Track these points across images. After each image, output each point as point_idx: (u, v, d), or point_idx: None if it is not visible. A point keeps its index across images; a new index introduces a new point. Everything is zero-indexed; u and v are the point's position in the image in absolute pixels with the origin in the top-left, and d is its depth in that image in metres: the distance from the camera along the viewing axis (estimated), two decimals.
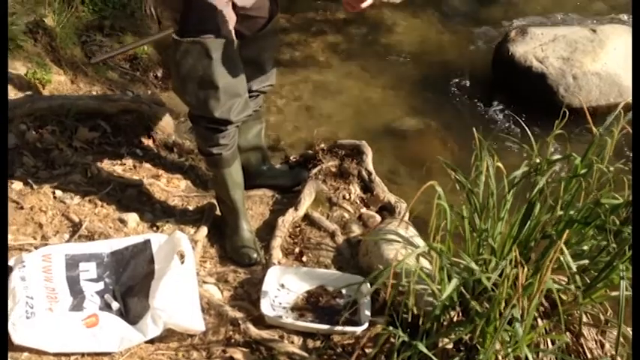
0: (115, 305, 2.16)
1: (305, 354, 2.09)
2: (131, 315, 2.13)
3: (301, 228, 2.67)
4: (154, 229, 2.56)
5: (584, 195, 2.10)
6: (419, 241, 2.35)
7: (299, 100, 3.81)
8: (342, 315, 2.15)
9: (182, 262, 2.19)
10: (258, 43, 2.39)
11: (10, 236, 2.37)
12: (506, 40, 4.00)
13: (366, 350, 2.09)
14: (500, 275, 1.89)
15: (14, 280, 2.07)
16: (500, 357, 1.91)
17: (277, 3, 2.39)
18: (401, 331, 1.95)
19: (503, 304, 1.85)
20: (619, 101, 3.60)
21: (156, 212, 2.64)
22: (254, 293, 2.31)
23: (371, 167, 2.96)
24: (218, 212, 2.63)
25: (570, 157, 2.14)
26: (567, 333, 2.10)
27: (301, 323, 2.19)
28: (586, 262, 2.10)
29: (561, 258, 1.89)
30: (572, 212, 2.11)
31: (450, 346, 2.02)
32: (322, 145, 3.09)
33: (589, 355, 2.11)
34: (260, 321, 2.19)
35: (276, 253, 2.49)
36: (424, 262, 2.12)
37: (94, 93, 3.31)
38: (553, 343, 2.06)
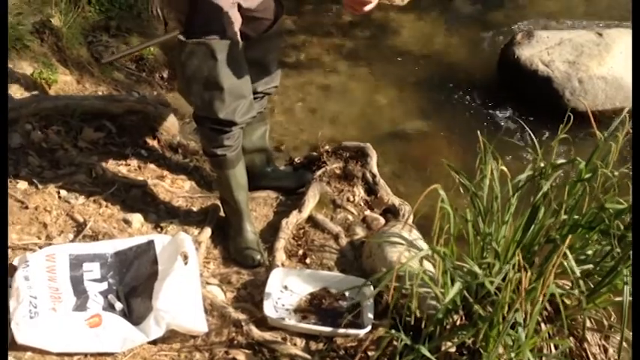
0: (119, 306, 2.16)
1: (307, 356, 2.09)
2: (134, 315, 2.14)
3: (305, 230, 2.66)
4: (158, 229, 2.56)
5: (588, 199, 2.09)
6: (422, 244, 2.35)
7: (304, 102, 3.81)
8: (344, 317, 2.15)
9: (185, 263, 2.19)
10: (263, 45, 2.39)
11: (14, 236, 2.37)
12: (512, 43, 4.00)
13: (369, 353, 2.09)
14: (503, 279, 1.88)
15: (18, 280, 2.08)
16: None
17: (282, 4, 2.39)
18: (403, 335, 1.95)
19: (506, 308, 1.85)
20: (625, 105, 3.59)
21: (160, 213, 2.64)
22: (257, 295, 2.32)
23: (375, 169, 2.96)
24: (222, 213, 2.63)
25: (575, 161, 2.14)
26: (571, 338, 2.10)
27: (304, 325, 2.19)
28: (590, 266, 2.09)
29: (565, 263, 1.89)
30: (576, 217, 2.10)
31: (453, 349, 2.02)
32: (327, 147, 3.08)
33: None
34: (263, 323, 2.19)
35: (280, 255, 2.49)
36: (427, 265, 2.12)
37: (100, 93, 3.31)
38: (556, 347, 2.06)
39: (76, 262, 2.22)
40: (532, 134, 2.35)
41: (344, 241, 2.60)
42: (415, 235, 2.40)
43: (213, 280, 2.39)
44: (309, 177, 2.90)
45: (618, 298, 1.98)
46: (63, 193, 2.61)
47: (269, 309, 2.20)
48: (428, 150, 3.49)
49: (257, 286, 2.36)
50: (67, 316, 2.07)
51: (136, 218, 2.56)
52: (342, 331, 2.14)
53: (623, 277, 1.93)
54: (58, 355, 2.01)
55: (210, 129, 2.32)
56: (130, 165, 2.86)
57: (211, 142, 2.36)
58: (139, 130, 3.04)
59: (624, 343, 1.89)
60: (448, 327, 2.04)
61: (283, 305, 2.29)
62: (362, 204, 2.85)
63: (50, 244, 2.33)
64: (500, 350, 1.90)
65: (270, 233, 2.62)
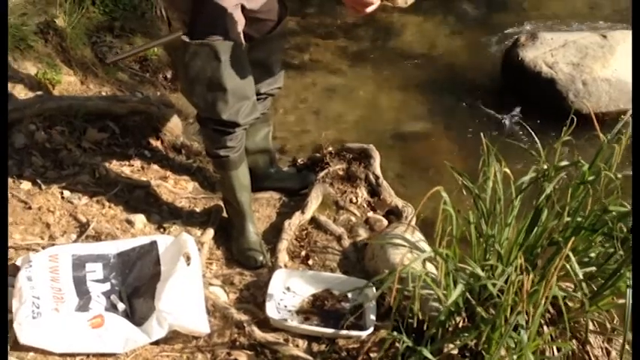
0: (121, 306, 2.16)
1: (310, 357, 2.09)
2: (137, 316, 2.14)
3: (308, 231, 2.66)
4: (161, 230, 2.56)
5: (591, 202, 2.09)
6: (425, 245, 2.34)
7: (307, 103, 3.81)
8: (347, 319, 2.15)
9: (188, 264, 2.19)
10: (266, 46, 2.39)
11: (17, 236, 2.38)
12: (516, 45, 3.99)
13: (371, 355, 2.09)
14: (506, 281, 1.88)
15: (21, 280, 2.08)
16: None
17: (286, 6, 2.39)
18: (406, 337, 1.95)
19: (508, 310, 1.84)
20: (628, 107, 3.59)
21: (163, 214, 2.65)
22: (260, 296, 2.32)
23: (378, 171, 2.96)
24: (225, 214, 2.63)
25: (578, 163, 2.13)
26: (573, 340, 2.09)
27: (306, 327, 2.19)
28: (593, 269, 2.09)
29: (567, 265, 1.89)
30: (579, 219, 2.10)
31: (455, 352, 2.01)
32: (330, 149, 3.08)
33: None
34: (265, 324, 2.19)
35: (283, 256, 2.49)
36: (430, 267, 2.12)
37: (104, 94, 3.32)
38: (559, 350, 2.05)
39: (79, 263, 2.22)
40: (535, 136, 2.34)
41: (347, 242, 2.60)
42: (418, 237, 2.40)
43: (216, 281, 2.39)
44: (312, 178, 2.90)
45: (621, 301, 1.97)
46: (66, 193, 2.61)
47: (271, 310, 2.21)
48: (431, 151, 3.48)
49: (259, 287, 2.36)
50: (69, 316, 2.07)
51: (139, 219, 2.56)
52: (344, 332, 2.14)
53: (626, 279, 1.92)
54: (61, 355, 2.01)
55: (214, 130, 2.32)
56: (133, 165, 2.86)
57: (214, 143, 2.37)
58: (143, 131, 3.04)
59: (627, 346, 1.89)
60: (450, 329, 2.04)
61: (286, 306, 2.29)
62: (365, 205, 2.85)
63: (53, 245, 2.33)
64: (503, 352, 1.89)
65: (273, 234, 2.63)
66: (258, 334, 2.14)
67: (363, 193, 2.88)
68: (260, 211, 2.75)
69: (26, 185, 2.60)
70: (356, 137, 3.38)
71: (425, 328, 2.01)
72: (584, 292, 2.00)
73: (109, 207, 2.60)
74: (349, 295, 2.32)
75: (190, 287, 2.16)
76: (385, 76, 4.05)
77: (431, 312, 2.05)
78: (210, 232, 2.56)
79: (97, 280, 2.21)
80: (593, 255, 2.12)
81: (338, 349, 2.14)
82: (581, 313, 2.05)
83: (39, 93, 3.03)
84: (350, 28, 4.47)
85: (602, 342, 2.15)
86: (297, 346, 2.15)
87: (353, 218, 2.75)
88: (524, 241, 2.12)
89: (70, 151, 2.80)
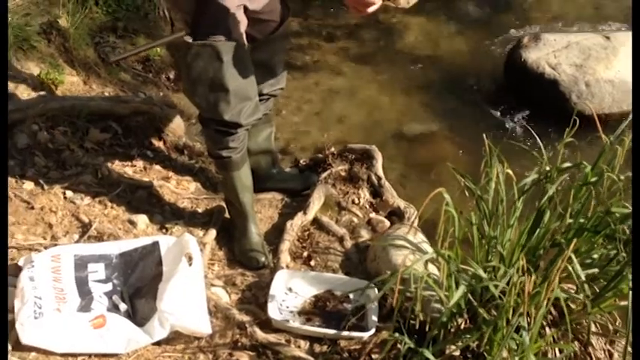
0: (123, 307, 2.16)
1: (311, 358, 2.09)
2: (138, 317, 2.14)
3: (310, 232, 2.66)
4: (163, 231, 2.56)
5: (594, 203, 2.09)
6: (427, 247, 2.34)
7: (310, 104, 3.81)
8: (349, 320, 2.15)
9: (190, 265, 2.19)
10: (269, 47, 2.39)
11: (20, 236, 2.38)
12: (518, 46, 3.99)
13: (373, 356, 2.09)
14: (508, 283, 1.88)
15: (23, 280, 2.08)
16: None
17: (289, 7, 2.39)
18: (407, 338, 1.95)
19: (510, 312, 1.84)
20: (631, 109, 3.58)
21: (165, 214, 2.65)
22: (261, 297, 2.32)
23: (381, 172, 2.96)
24: (227, 215, 2.63)
25: (581, 165, 2.13)
26: (575, 342, 2.09)
27: (308, 327, 2.19)
28: (595, 270, 2.09)
29: (570, 267, 1.88)
30: (581, 220, 2.10)
31: (457, 353, 2.01)
32: (332, 149, 3.08)
33: None
34: (267, 325, 2.19)
35: (285, 257, 2.49)
36: (432, 269, 2.12)
37: (107, 94, 3.32)
38: (561, 352, 2.05)
39: (81, 263, 2.22)
40: (538, 137, 2.34)
41: (349, 243, 2.60)
42: (420, 238, 2.40)
43: (218, 282, 2.39)
44: (314, 179, 2.90)
45: (624, 303, 1.97)
46: (69, 193, 2.62)
47: (273, 311, 2.20)
48: (433, 153, 3.48)
49: (261, 288, 2.36)
50: (71, 316, 2.07)
51: (141, 219, 2.56)
52: (346, 333, 2.14)
53: (629, 281, 1.92)
54: (62, 355, 2.01)
55: (216, 131, 2.32)
56: (135, 166, 2.86)
57: (216, 143, 2.37)
58: (145, 131, 3.04)
59: (629, 348, 1.88)
60: (452, 330, 2.03)
61: (287, 307, 2.29)
62: (367, 206, 2.85)
63: (55, 245, 2.33)
64: (505, 354, 1.89)
65: (275, 235, 2.63)
66: (260, 334, 2.14)
67: (365, 194, 2.88)
68: (262, 211, 2.75)
69: (29, 185, 2.60)
70: (358, 138, 3.37)
71: (427, 329, 2.01)
72: (586, 294, 1.99)
73: (112, 207, 2.61)
74: (351, 296, 2.32)
75: (192, 288, 2.16)
76: (387, 77, 4.05)
77: (433, 313, 2.05)
78: (213, 233, 2.56)
79: (99, 281, 2.21)
80: (595, 257, 2.12)
81: (340, 350, 2.14)
82: (584, 314, 2.05)
83: (42, 93, 3.04)
84: (353, 29, 4.47)
85: (605, 344, 2.15)
86: (299, 347, 2.15)
87: (355, 219, 2.75)
88: (527, 243, 2.11)
89: (73, 152, 2.80)
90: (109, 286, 2.21)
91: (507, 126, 3.70)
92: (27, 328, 1.98)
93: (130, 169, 2.83)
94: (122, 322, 2.10)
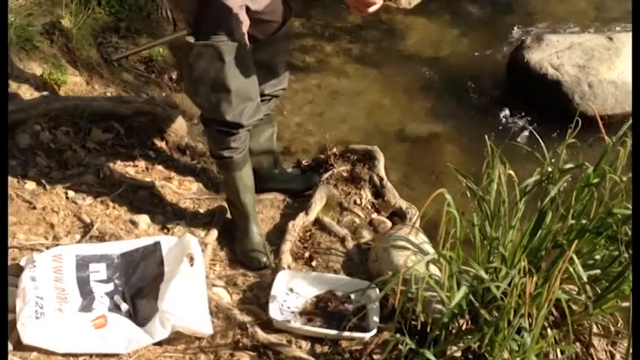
0: (124, 307, 2.16)
1: (312, 359, 2.09)
2: (140, 317, 2.14)
3: (311, 232, 2.66)
4: (165, 231, 2.56)
5: (596, 205, 2.08)
6: (429, 247, 2.34)
7: (311, 104, 3.81)
8: (350, 320, 2.15)
9: (191, 265, 2.19)
10: (271, 47, 2.39)
11: (21, 236, 2.38)
12: (521, 47, 3.98)
13: (374, 357, 2.09)
14: (509, 284, 1.88)
15: (24, 280, 2.08)
16: None
17: (291, 7, 2.39)
18: (409, 339, 1.95)
19: (512, 313, 1.84)
20: None
21: (167, 214, 2.65)
22: (263, 297, 2.31)
23: (383, 172, 2.95)
24: (229, 215, 2.63)
25: (583, 166, 2.13)
26: (577, 343, 2.09)
27: (309, 328, 2.19)
28: (597, 272, 2.09)
29: (571, 268, 1.88)
30: (583, 222, 2.09)
31: (459, 354, 2.01)
32: (334, 150, 3.08)
33: None
34: (268, 325, 2.19)
35: (286, 258, 2.49)
36: (434, 269, 2.11)
37: (109, 94, 3.32)
38: (562, 353, 2.05)
39: (83, 263, 2.22)
40: (540, 138, 2.33)
41: (350, 244, 2.60)
42: (422, 239, 2.40)
43: (219, 282, 2.39)
44: (316, 179, 2.90)
45: (625, 304, 1.97)
46: (71, 193, 2.62)
47: (274, 311, 2.20)
48: (435, 153, 3.48)
49: (263, 289, 2.36)
50: (72, 316, 2.07)
51: (143, 219, 2.56)
52: (347, 334, 2.14)
53: (631, 282, 1.92)
54: (64, 355, 2.02)
55: (217, 131, 2.32)
56: (137, 166, 2.86)
57: (218, 144, 2.37)
58: (147, 132, 3.04)
59: (631, 349, 1.88)
60: (454, 331, 2.03)
61: (289, 308, 2.28)
62: (369, 207, 2.84)
63: (57, 245, 2.34)
64: (506, 355, 1.89)
65: (277, 235, 2.62)
66: (261, 335, 2.14)
67: (367, 195, 2.88)
68: (264, 212, 2.75)
69: (31, 185, 2.61)
70: (360, 139, 3.37)
71: (428, 330, 2.01)
72: (588, 295, 1.99)
73: (113, 207, 2.61)
74: (352, 296, 2.32)
75: (193, 288, 2.16)
76: (390, 77, 4.05)
77: (434, 314, 2.05)
78: (214, 233, 2.56)
79: (101, 281, 2.21)
80: (597, 258, 2.12)
81: (341, 351, 2.14)
82: (585, 316, 2.04)
83: (44, 93, 3.04)
84: (355, 29, 4.47)
85: (607, 345, 2.14)
86: (300, 347, 2.15)
87: (357, 220, 2.75)
88: (528, 244, 2.11)
89: (75, 152, 2.81)
90: (110, 286, 2.21)
91: (510, 127, 3.70)
92: (28, 328, 1.98)
93: (132, 170, 2.83)
94: (123, 322, 2.10)
